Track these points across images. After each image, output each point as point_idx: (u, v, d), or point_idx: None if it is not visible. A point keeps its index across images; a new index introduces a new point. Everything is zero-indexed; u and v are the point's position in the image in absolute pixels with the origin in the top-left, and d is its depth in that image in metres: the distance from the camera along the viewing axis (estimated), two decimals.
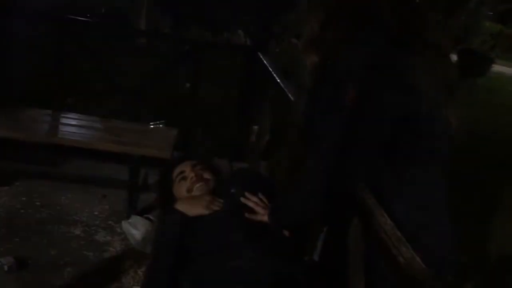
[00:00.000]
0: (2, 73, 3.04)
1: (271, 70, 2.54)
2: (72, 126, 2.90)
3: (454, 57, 11.81)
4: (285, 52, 9.85)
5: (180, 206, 1.61)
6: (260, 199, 1.53)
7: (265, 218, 1.44)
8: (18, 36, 3.12)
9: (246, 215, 1.48)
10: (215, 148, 3.43)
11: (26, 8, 3.23)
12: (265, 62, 2.75)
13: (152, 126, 3.04)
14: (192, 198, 1.67)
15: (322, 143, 1.09)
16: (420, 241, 1.01)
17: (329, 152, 1.08)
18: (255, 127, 2.93)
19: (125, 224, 2.72)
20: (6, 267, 2.19)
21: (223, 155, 2.82)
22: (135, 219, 2.74)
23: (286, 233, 1.49)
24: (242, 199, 1.54)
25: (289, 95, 2.01)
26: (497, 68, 12.84)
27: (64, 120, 2.95)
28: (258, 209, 1.48)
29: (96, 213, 2.86)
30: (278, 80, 2.26)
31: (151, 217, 2.76)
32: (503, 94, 11.02)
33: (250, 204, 1.51)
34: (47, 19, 3.61)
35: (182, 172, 1.79)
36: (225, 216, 1.51)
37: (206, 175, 1.78)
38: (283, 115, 2.30)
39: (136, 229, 2.67)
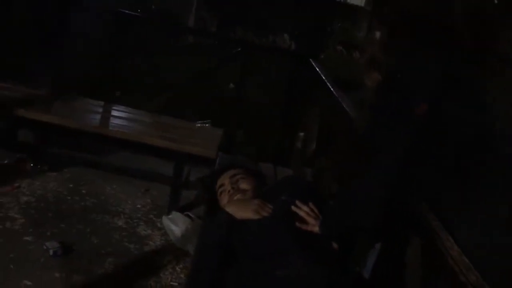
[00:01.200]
0: (62, 63, 3.14)
1: (323, 77, 2.51)
2: (122, 118, 2.96)
3: None
4: (330, 59, 9.79)
5: (229, 208, 1.61)
6: (311, 209, 1.50)
7: (316, 228, 1.42)
8: (77, 29, 3.22)
9: (297, 224, 1.46)
10: (259, 151, 3.42)
11: (84, 2, 3.35)
12: (317, 69, 2.72)
13: (198, 125, 3.07)
14: (242, 201, 1.66)
15: (388, 155, 1.06)
16: (488, 269, 0.97)
17: (394, 165, 1.05)
18: (301, 134, 2.91)
19: (165, 220, 2.75)
20: (51, 251, 2.26)
21: (267, 159, 2.81)
22: (176, 215, 2.76)
23: (335, 245, 1.46)
24: (293, 208, 1.52)
25: (343, 104, 1.97)
26: None
27: (114, 112, 3.02)
28: (309, 219, 1.46)
29: (138, 206, 2.91)
30: (332, 89, 2.23)
31: (191, 215, 2.78)
32: None
33: (301, 213, 1.49)
34: (103, 13, 3.72)
35: (222, 185, 1.83)
36: (274, 222, 1.49)
37: (244, 185, 1.78)
38: (333, 123, 2.27)
39: (176, 225, 2.70)
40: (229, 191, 1.77)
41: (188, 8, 7.99)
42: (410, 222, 1.14)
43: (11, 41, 3.14)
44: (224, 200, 1.79)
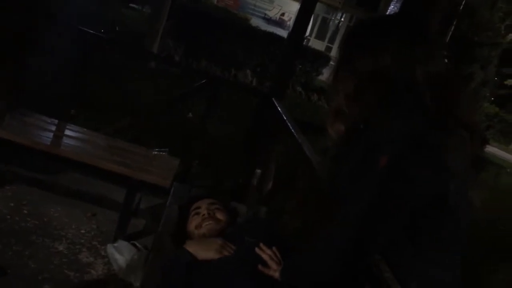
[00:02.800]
0: (18, 77, 3.03)
1: (285, 118, 2.56)
2: (76, 139, 2.86)
3: None
4: (288, 99, 10.01)
5: (190, 247, 1.58)
6: (275, 253, 1.49)
7: (277, 274, 1.41)
8: (39, 45, 3.14)
9: (260, 266, 1.44)
10: (214, 184, 3.40)
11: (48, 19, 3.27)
12: (279, 109, 2.77)
13: (155, 153, 3.02)
14: (204, 240, 1.64)
15: (350, 209, 1.08)
16: None
17: (356, 220, 1.06)
18: (258, 171, 2.92)
19: (110, 248, 2.64)
20: None
21: (222, 193, 2.80)
22: (121, 244, 2.66)
23: None
24: (257, 250, 1.50)
25: (304, 147, 2.01)
26: (489, 148, 13.11)
27: (69, 132, 2.92)
28: (271, 263, 1.45)
29: (82, 231, 2.78)
30: (293, 130, 2.27)
31: (138, 245, 2.69)
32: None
33: (264, 256, 1.47)
34: (66, 30, 3.64)
35: (197, 207, 1.83)
36: (236, 263, 1.47)
37: (219, 216, 1.79)
38: (292, 165, 2.29)
39: (121, 254, 2.59)
40: (203, 214, 1.78)
41: (154, 34, 7.99)
42: (364, 272, 1.15)
43: None
44: (193, 222, 1.78)
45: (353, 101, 1.16)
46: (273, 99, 2.99)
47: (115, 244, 2.65)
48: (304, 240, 1.66)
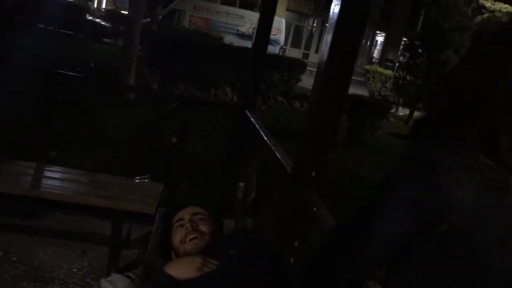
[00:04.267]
0: None
1: (258, 127, 2.58)
2: (56, 179, 2.86)
3: None
4: (272, 110, 10.07)
5: (170, 269, 1.57)
6: None
7: None
8: (5, 87, 3.14)
9: None
10: (201, 204, 3.38)
11: (14, 60, 3.29)
12: (252, 119, 2.79)
13: (137, 181, 3.01)
14: (183, 260, 1.63)
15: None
16: None
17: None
18: (241, 184, 2.93)
19: (103, 282, 2.62)
20: None
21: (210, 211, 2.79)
22: (115, 277, 2.64)
23: None
24: None
25: (278, 155, 2.02)
26: None
27: (48, 173, 2.91)
28: None
29: (74, 270, 2.76)
30: (265, 138, 2.29)
31: (131, 275, 2.67)
32: None
33: None
34: (36, 72, 3.66)
35: (180, 219, 1.78)
36: (218, 277, 1.47)
37: (203, 227, 1.75)
38: (270, 172, 2.31)
39: (115, 287, 2.57)
40: (187, 228, 1.72)
41: (128, 65, 8.02)
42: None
43: None
44: (177, 236, 1.73)
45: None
46: (245, 110, 3.02)
47: (109, 278, 2.63)
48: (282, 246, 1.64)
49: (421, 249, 0.89)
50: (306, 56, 28.43)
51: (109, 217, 2.79)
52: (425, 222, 0.86)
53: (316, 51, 28.65)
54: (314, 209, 1.43)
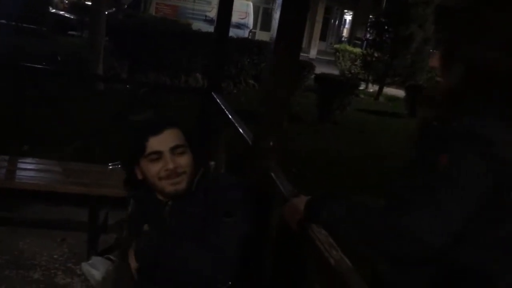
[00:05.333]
0: None
1: (223, 107, 2.69)
2: (31, 170, 2.92)
3: (402, 93, 12.50)
4: (243, 93, 10.16)
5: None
6: None
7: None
8: None
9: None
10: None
11: None
12: (218, 100, 2.90)
13: (110, 167, 3.10)
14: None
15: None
16: None
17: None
18: (212, 163, 3.04)
19: (84, 265, 2.68)
20: None
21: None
22: (95, 259, 2.71)
23: None
24: None
25: (240, 130, 2.15)
26: None
27: (22, 165, 2.97)
28: None
29: (55, 256, 2.84)
30: (230, 116, 2.41)
31: (112, 257, 2.77)
32: None
33: None
34: (4, 67, 3.68)
35: (157, 152, 1.44)
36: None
37: (184, 162, 1.46)
38: (236, 149, 2.43)
39: (96, 269, 2.64)
40: (167, 170, 1.42)
41: (96, 56, 7.97)
42: None
43: None
44: (155, 168, 1.43)
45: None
46: (212, 93, 3.12)
47: (89, 261, 2.72)
48: None
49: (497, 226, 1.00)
50: None
51: (85, 205, 2.88)
52: (494, 197, 0.95)
53: None
54: (272, 174, 1.57)
